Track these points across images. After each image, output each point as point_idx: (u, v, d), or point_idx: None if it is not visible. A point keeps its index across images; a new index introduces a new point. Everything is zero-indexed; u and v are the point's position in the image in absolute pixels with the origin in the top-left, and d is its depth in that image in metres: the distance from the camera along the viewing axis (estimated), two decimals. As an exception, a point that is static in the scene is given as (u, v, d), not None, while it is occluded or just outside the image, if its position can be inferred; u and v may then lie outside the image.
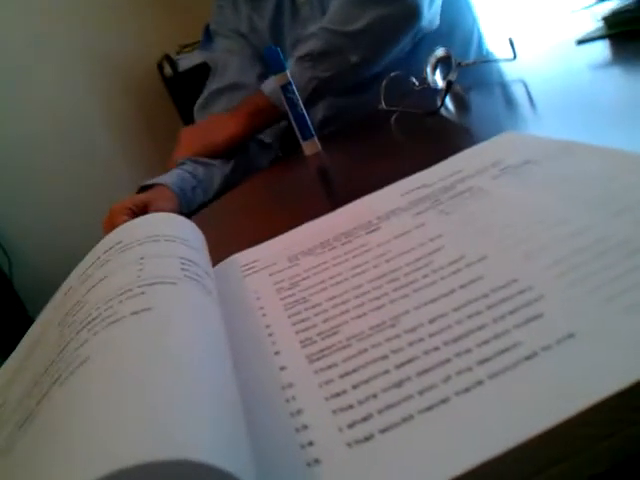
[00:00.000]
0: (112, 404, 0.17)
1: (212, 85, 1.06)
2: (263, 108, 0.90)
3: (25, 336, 0.34)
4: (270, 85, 0.89)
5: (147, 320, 0.22)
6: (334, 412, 0.20)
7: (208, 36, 1.13)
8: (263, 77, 1.03)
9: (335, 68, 0.87)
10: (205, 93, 1.07)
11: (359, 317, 0.26)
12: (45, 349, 0.27)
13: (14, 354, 0.33)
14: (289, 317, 0.28)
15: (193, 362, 0.20)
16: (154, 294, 0.25)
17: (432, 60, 0.75)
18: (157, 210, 0.78)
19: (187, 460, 0.14)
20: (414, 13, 0.84)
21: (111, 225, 0.74)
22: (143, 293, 0.25)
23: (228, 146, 0.93)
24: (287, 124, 0.91)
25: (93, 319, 0.24)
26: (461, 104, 0.67)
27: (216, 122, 0.95)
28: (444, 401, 0.19)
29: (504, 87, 0.66)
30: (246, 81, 1.04)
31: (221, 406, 0.18)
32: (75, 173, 2.49)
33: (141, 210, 0.78)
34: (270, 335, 0.27)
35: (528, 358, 0.19)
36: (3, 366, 0.33)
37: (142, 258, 0.29)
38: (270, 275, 0.34)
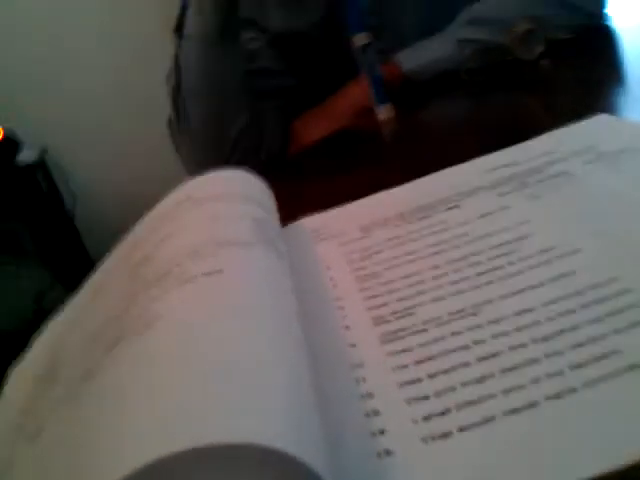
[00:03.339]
0: (184, 374, 0.16)
1: None
2: (391, 81, 0.76)
3: (88, 281, 0.34)
4: (414, 61, 0.78)
5: (219, 283, 0.22)
6: (408, 401, 0.19)
7: None
8: None
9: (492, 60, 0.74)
10: None
11: (437, 300, 0.24)
12: (111, 298, 0.27)
13: (76, 298, 0.33)
14: (361, 291, 0.27)
15: (266, 330, 0.19)
16: (227, 256, 0.24)
17: (519, 32, 0.71)
18: None
19: (259, 445, 0.14)
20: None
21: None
22: (215, 254, 0.24)
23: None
24: None
25: (164, 275, 0.23)
26: (551, 80, 0.64)
27: (344, 94, 0.80)
28: (532, 405, 0.17)
29: (599, 65, 0.62)
30: None
31: (294, 384, 0.17)
32: (147, 115, 2.49)
33: None
34: (341, 308, 0.26)
35: (630, 369, 0.17)
36: (64, 309, 0.33)
37: (214, 216, 0.28)
38: (341, 244, 0.33)
